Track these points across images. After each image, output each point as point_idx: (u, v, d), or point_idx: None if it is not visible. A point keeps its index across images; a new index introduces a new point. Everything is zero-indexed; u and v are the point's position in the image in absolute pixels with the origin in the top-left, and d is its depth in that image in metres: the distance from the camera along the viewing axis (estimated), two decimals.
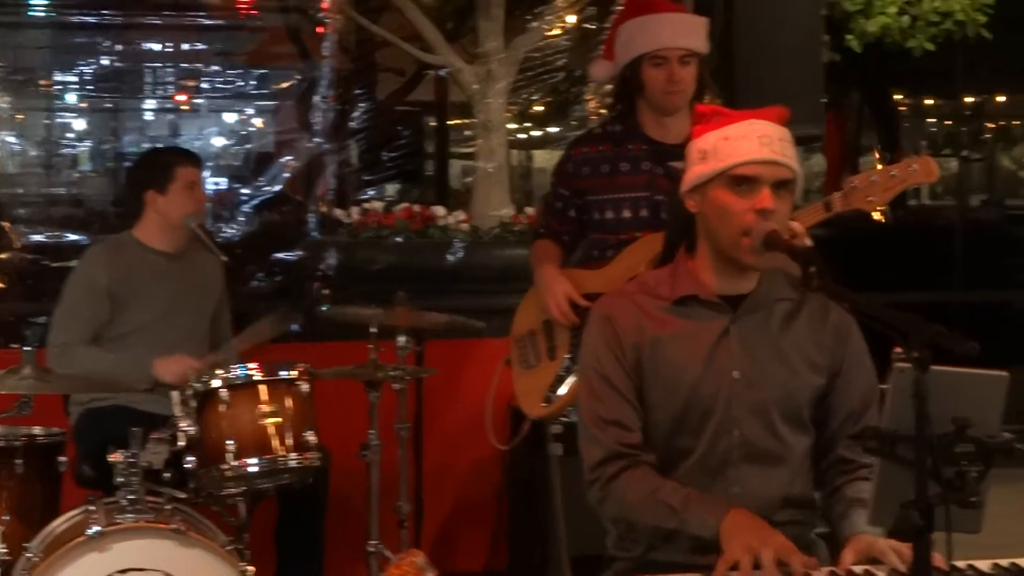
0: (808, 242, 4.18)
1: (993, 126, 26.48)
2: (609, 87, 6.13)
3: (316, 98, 10.84)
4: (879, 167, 4.29)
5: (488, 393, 5.56)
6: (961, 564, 3.08)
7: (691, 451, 3.48)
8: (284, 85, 14.87)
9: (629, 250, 4.93)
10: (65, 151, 17.60)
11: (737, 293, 3.50)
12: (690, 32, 5.01)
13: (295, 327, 7.37)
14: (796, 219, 4.20)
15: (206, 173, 13.33)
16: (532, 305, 5.23)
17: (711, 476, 3.47)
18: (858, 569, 3.14)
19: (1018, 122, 26.71)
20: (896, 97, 23.02)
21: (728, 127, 3.43)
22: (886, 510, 2.69)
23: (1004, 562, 3.14)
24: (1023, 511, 8.35)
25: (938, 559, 2.65)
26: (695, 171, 3.46)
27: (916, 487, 2.57)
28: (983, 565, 3.12)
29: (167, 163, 5.84)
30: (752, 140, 3.38)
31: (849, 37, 11.55)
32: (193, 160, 5.94)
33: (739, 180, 3.38)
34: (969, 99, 22.11)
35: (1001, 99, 24.11)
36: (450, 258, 7.86)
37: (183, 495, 4.91)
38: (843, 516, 3.46)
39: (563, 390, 5.04)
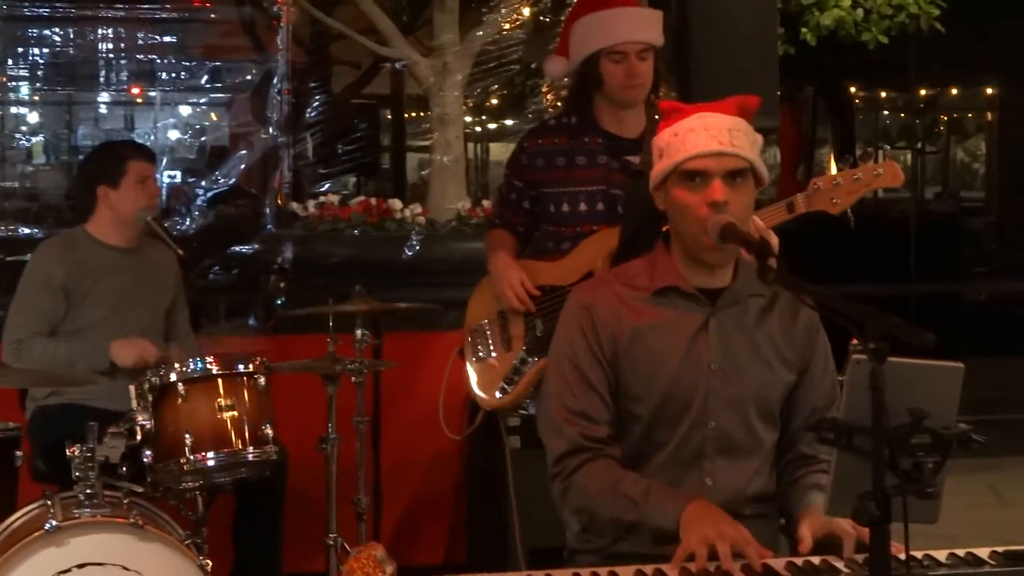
0: (774, 238, 4.19)
1: (947, 119, 26.61)
2: (564, 80, 6.12)
3: (271, 91, 10.80)
4: (833, 170, 4.30)
5: (441, 384, 5.57)
6: (918, 554, 3.10)
7: (667, 442, 3.50)
8: (239, 78, 14.79)
9: (586, 243, 4.93)
10: (18, 144, 17.47)
11: (713, 287, 3.52)
12: (647, 26, 5.01)
13: (252, 321, 7.34)
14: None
15: (161, 166, 13.25)
16: (486, 295, 5.22)
17: (685, 467, 3.50)
18: (816, 559, 3.15)
19: (972, 114, 26.84)
20: (851, 90, 23.12)
21: (679, 123, 3.45)
22: (843, 501, 2.70)
23: (961, 552, 3.17)
24: (979, 501, 8.44)
25: (897, 548, 2.66)
26: (656, 169, 3.49)
27: (873, 478, 2.58)
28: (940, 555, 3.15)
29: (119, 157, 5.79)
30: (700, 133, 3.40)
31: (803, 30, 11.60)
32: (145, 154, 5.90)
33: (690, 175, 3.39)
34: (923, 92, 22.22)
35: (955, 92, 24.24)
36: (407, 251, 7.85)
37: (140, 489, 4.89)
38: (800, 499, 3.48)
39: (519, 381, 5.04)
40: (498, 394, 5.12)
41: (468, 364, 5.27)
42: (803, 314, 3.56)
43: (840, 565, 3.12)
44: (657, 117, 3.64)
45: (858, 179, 4.20)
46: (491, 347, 5.16)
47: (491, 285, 5.17)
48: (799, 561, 3.14)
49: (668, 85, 5.18)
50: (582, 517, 3.56)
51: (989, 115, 24.34)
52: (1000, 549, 3.17)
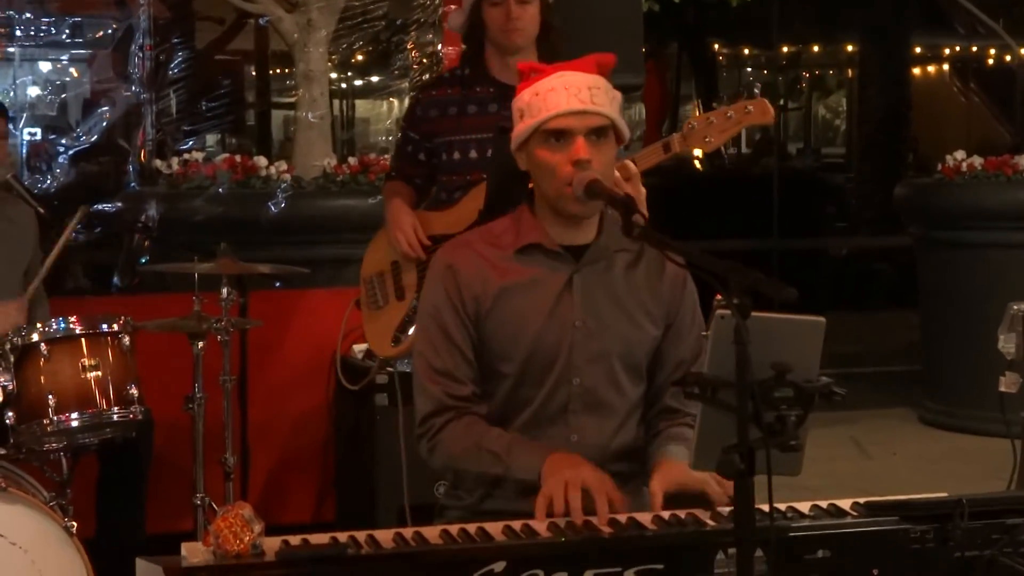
0: (641, 188, 4.22)
1: (809, 76, 26.92)
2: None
3: (133, 47, 10.66)
4: (696, 110, 4.34)
5: (337, 337, 5.75)
6: (782, 506, 3.15)
7: (533, 399, 3.52)
8: (100, 34, 14.57)
9: (476, 191, 4.98)
10: None
11: (578, 244, 3.53)
12: None
13: (116, 280, 7.23)
14: (635, 160, 4.27)
15: (21, 123, 13.00)
16: (382, 245, 5.29)
17: (550, 424, 3.52)
18: (682, 513, 3.19)
19: (833, 71, 27.18)
20: (714, 47, 23.33)
21: (539, 82, 3.47)
22: (708, 455, 2.73)
23: (823, 503, 3.22)
24: (841, 453, 8.58)
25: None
26: (517, 130, 3.51)
27: (737, 432, 2.62)
28: (803, 507, 3.20)
29: None
30: (560, 92, 3.42)
31: None
32: None
33: (553, 134, 3.42)
34: (785, 49, 22.46)
35: (816, 49, 24.53)
36: (272, 209, 7.79)
37: (3, 451, 4.85)
38: (659, 447, 3.52)
39: (412, 331, 5.07)
40: (392, 343, 5.20)
41: (364, 315, 5.33)
42: (670, 268, 3.58)
43: (706, 518, 3.16)
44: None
45: (730, 117, 4.24)
46: (384, 297, 5.22)
47: (387, 235, 5.21)
48: (666, 515, 3.18)
49: (560, 37, 5.17)
50: (448, 475, 3.59)
51: (850, 72, 24.66)
52: (861, 500, 3.22)
